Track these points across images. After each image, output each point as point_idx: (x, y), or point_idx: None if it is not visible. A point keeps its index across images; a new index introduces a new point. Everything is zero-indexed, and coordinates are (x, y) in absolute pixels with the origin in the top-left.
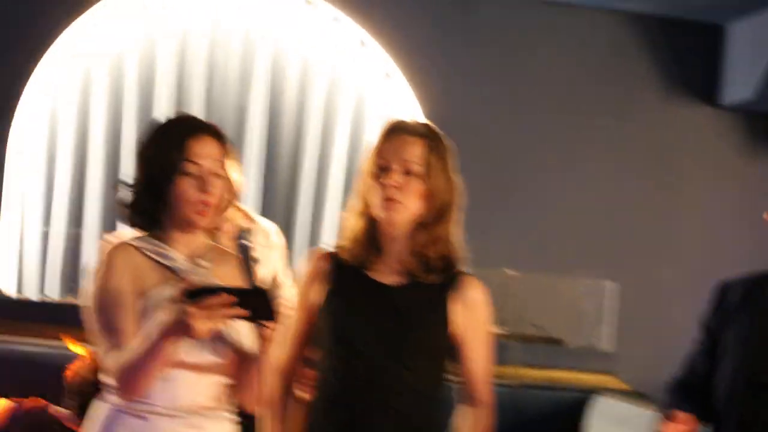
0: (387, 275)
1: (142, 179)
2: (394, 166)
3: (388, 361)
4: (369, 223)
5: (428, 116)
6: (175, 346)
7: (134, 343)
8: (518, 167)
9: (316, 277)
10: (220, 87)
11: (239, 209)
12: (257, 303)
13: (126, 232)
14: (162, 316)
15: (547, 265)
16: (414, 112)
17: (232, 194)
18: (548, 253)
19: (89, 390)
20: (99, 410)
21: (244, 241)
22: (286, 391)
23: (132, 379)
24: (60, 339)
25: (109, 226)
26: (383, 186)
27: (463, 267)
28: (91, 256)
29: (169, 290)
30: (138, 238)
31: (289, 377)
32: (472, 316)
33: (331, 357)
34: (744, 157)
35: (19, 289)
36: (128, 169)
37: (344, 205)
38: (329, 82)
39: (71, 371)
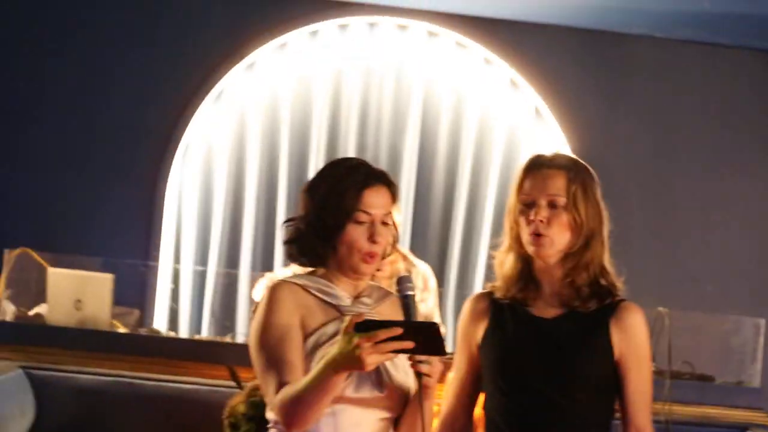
0: (544, 309)
1: (312, 219)
2: (540, 201)
3: (554, 393)
4: (521, 259)
5: (577, 153)
6: (343, 379)
7: (304, 377)
8: (670, 206)
9: (476, 318)
10: (373, 129)
11: (399, 251)
12: (425, 337)
13: (282, 272)
14: (332, 350)
15: (698, 302)
16: (563, 150)
17: (395, 239)
18: (699, 291)
19: (243, 424)
20: None
21: (408, 291)
22: None
23: (300, 412)
24: (214, 377)
25: (262, 268)
26: (530, 222)
27: (619, 293)
28: (244, 296)
29: (335, 327)
30: (300, 276)
31: (455, 425)
32: (632, 342)
33: (495, 395)
34: None
35: (173, 328)
36: (282, 211)
37: (494, 244)
38: (480, 122)
39: (229, 407)
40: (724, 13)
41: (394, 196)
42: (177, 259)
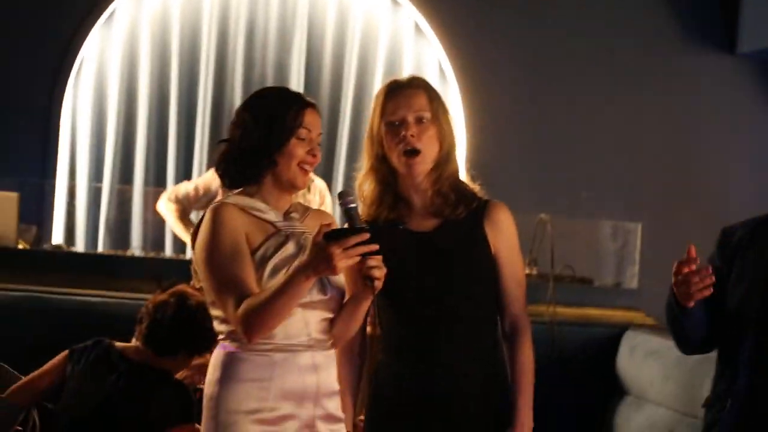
0: (420, 223)
1: (255, 137)
2: (408, 118)
3: (442, 298)
4: (381, 181)
5: (456, 68)
6: (310, 285)
7: (271, 288)
8: (547, 117)
9: None
10: (260, 46)
11: None
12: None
13: (185, 186)
14: (302, 258)
15: (576, 209)
16: (443, 65)
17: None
18: (578, 198)
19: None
20: (218, 357)
21: (351, 203)
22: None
23: (267, 319)
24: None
25: (155, 183)
26: (401, 139)
27: (480, 196)
28: (138, 211)
29: (276, 241)
30: (232, 196)
31: (352, 344)
32: (504, 236)
33: (387, 309)
34: (761, 103)
35: (70, 243)
36: (173, 128)
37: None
38: (363, 39)
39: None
40: None
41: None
42: (72, 176)
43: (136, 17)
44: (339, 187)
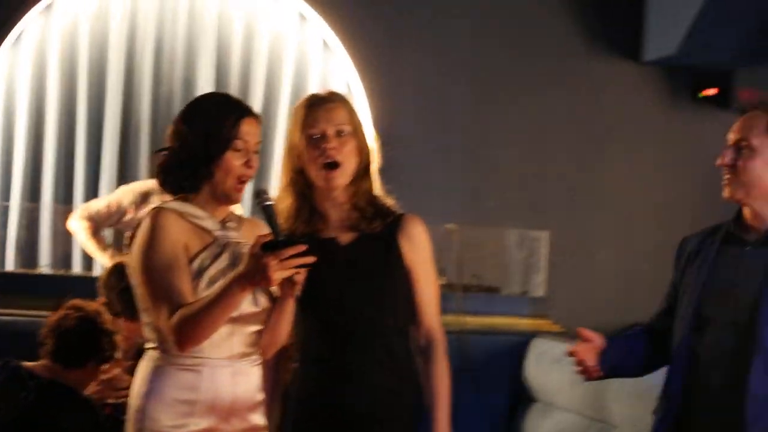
0: (338, 235)
1: (192, 147)
2: (329, 132)
3: (362, 308)
4: (300, 195)
5: (365, 84)
6: (246, 296)
7: (206, 297)
8: (452, 126)
9: None
10: (168, 62)
11: None
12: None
13: (96, 203)
14: (239, 269)
15: (481, 218)
16: (351, 79)
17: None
18: (484, 207)
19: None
20: (145, 370)
21: (267, 201)
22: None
23: (200, 330)
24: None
25: (63, 200)
26: (322, 152)
27: (395, 210)
28: (47, 228)
29: (214, 250)
30: (174, 202)
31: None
32: (419, 249)
33: (305, 320)
34: (666, 110)
35: None
36: (82, 146)
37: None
38: (271, 54)
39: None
40: None
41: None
42: None
43: (44, 36)
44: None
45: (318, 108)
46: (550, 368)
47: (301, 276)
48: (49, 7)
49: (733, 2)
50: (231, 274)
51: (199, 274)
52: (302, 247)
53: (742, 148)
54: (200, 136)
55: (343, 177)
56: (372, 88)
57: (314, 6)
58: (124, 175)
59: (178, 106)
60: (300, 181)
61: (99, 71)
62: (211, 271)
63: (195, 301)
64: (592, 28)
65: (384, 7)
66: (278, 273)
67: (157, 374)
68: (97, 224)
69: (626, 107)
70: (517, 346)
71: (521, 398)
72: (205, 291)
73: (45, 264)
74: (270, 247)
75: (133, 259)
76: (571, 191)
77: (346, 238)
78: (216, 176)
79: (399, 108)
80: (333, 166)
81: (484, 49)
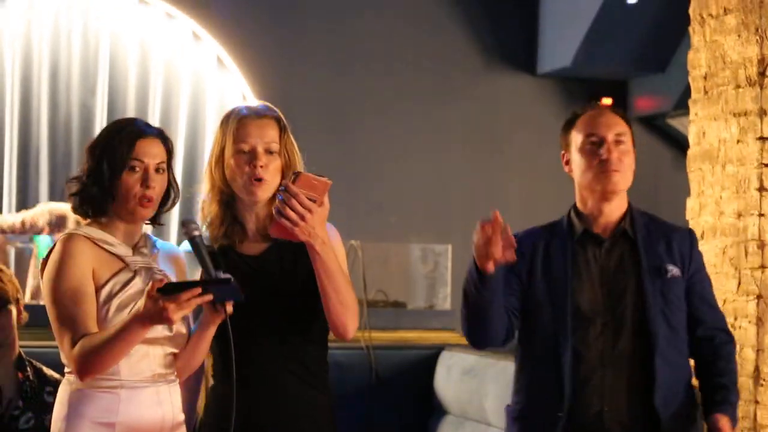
0: (251, 246)
1: (92, 172)
2: (258, 149)
3: (274, 317)
4: (222, 204)
5: (260, 97)
6: (147, 332)
7: (107, 330)
8: (353, 144)
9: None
10: (64, 88)
11: None
12: (220, 288)
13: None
14: (138, 308)
15: (384, 234)
16: (247, 96)
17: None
18: (384, 223)
19: None
20: (64, 394)
21: (194, 231)
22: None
23: (100, 361)
24: None
25: None
26: (251, 167)
27: None
28: None
29: (125, 277)
30: (84, 227)
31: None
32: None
33: (221, 329)
34: (561, 121)
35: None
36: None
37: (185, 190)
38: (166, 75)
39: None
40: None
41: (168, 149)
42: None
43: None
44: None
45: (249, 121)
46: (460, 380)
47: (230, 307)
48: None
49: (624, 14)
50: (132, 312)
51: (107, 300)
52: (198, 290)
53: (623, 142)
54: (98, 160)
55: (267, 192)
56: (267, 101)
57: (206, 26)
58: (25, 200)
59: (75, 131)
60: (226, 191)
61: None
62: (121, 297)
63: (96, 333)
64: (488, 44)
65: (277, 24)
66: (176, 314)
67: (75, 397)
68: (6, 238)
69: (523, 119)
70: (426, 360)
71: (433, 411)
72: (115, 317)
73: None
74: (167, 290)
75: (43, 284)
76: (470, 203)
77: (258, 248)
78: (118, 199)
79: (297, 127)
80: (259, 181)
81: (380, 65)
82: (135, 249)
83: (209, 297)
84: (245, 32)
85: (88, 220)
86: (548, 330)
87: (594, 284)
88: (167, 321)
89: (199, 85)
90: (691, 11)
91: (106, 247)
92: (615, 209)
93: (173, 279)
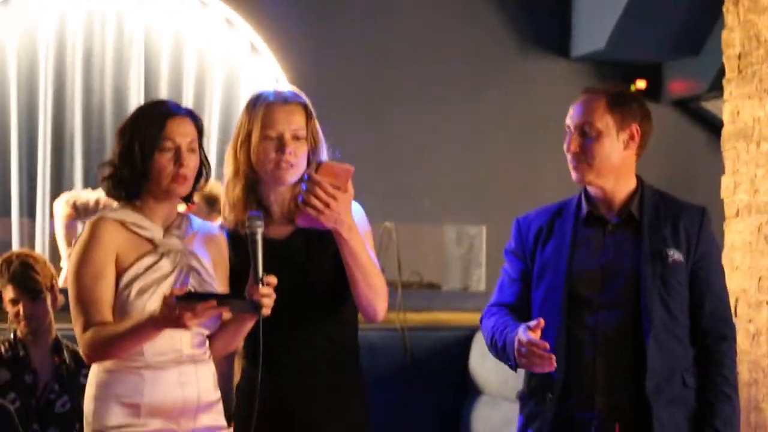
0: (276, 230)
1: (124, 154)
2: (286, 135)
3: (301, 301)
4: (247, 187)
5: (294, 84)
6: (161, 332)
7: (121, 324)
8: (388, 127)
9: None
10: (98, 73)
11: None
12: (236, 304)
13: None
14: (155, 310)
15: (418, 216)
16: (281, 81)
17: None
18: (421, 204)
19: None
20: (94, 374)
21: (255, 228)
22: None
23: (110, 352)
24: None
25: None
26: (279, 153)
27: None
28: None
29: (150, 260)
30: (115, 210)
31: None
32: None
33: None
34: None
35: None
36: (15, 161)
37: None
38: (199, 61)
39: None
40: None
41: (198, 128)
42: None
43: None
44: None
45: (278, 107)
46: (495, 361)
47: (267, 310)
48: None
49: None
50: (146, 313)
51: (130, 282)
52: (213, 303)
53: (587, 132)
54: (129, 143)
55: (294, 177)
56: (302, 91)
57: (240, 11)
58: (59, 186)
59: (109, 117)
60: (250, 174)
61: (29, 84)
62: (145, 280)
63: (109, 324)
64: (522, 27)
65: (311, 9)
66: (192, 322)
67: (103, 379)
68: (78, 215)
69: (557, 102)
70: (460, 341)
71: (468, 391)
72: (136, 300)
73: None
74: (184, 299)
75: (69, 263)
76: (506, 185)
77: (284, 231)
78: (151, 179)
79: (331, 111)
80: (286, 166)
81: (414, 50)
82: (167, 231)
83: (226, 310)
84: (279, 18)
85: (122, 203)
86: (543, 310)
87: (592, 266)
88: (183, 327)
89: (232, 72)
90: None
91: (136, 230)
92: (618, 191)
93: (207, 262)
